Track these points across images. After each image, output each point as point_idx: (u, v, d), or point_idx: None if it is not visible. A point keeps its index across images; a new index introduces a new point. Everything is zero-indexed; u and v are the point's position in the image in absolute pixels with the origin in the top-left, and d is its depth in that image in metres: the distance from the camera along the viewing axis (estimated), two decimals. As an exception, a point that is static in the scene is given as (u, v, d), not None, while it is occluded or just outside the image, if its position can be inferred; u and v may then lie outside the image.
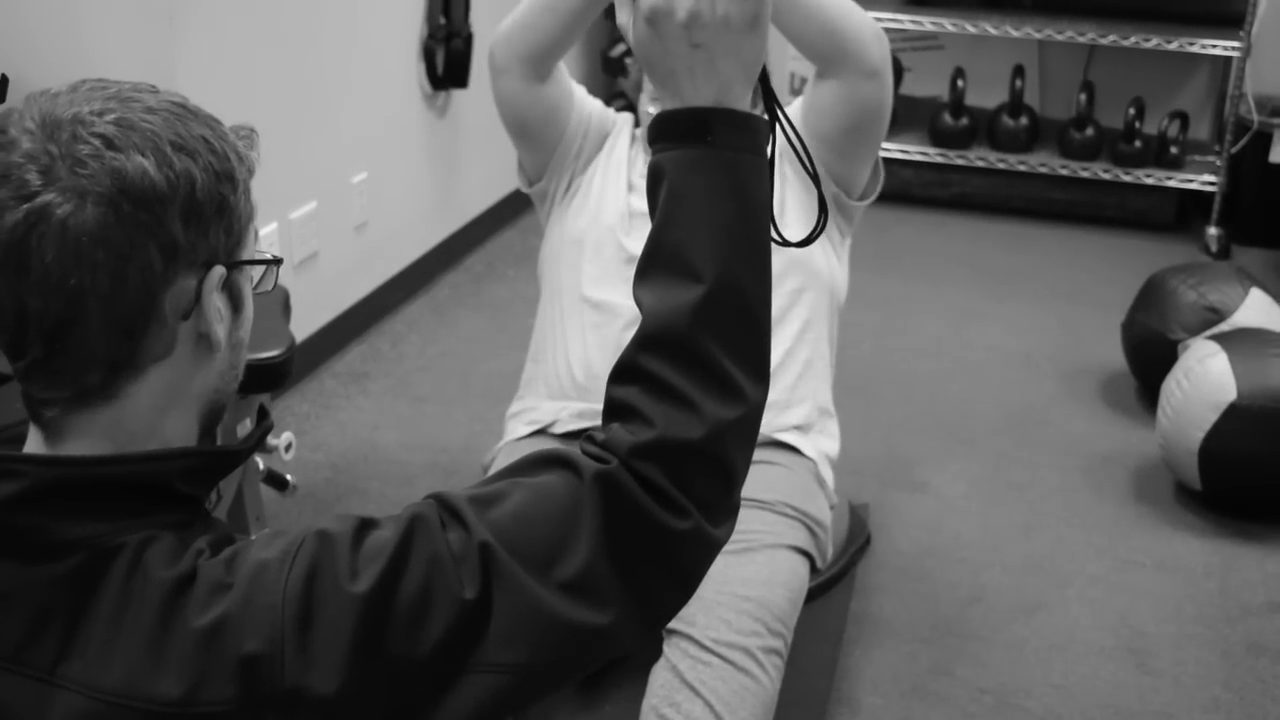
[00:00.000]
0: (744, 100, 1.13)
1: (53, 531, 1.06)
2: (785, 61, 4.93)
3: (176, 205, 1.05)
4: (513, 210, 4.69)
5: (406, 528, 1.07)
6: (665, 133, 1.12)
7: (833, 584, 2.49)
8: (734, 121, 1.11)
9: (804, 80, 5.20)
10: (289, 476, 2.74)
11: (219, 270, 1.09)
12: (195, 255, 1.07)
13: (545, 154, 2.38)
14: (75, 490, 1.07)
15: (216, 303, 1.10)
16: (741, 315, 1.10)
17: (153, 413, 1.10)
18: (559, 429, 2.27)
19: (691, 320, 1.08)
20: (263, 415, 1.26)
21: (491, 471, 2.26)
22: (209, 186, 1.07)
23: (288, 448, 2.67)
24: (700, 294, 1.08)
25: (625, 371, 1.12)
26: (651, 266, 1.12)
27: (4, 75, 2.73)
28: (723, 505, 1.12)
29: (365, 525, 1.08)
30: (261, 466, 2.70)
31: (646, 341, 1.10)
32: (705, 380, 1.09)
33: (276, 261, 1.19)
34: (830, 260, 2.35)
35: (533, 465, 1.13)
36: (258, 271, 1.17)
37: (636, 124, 2.45)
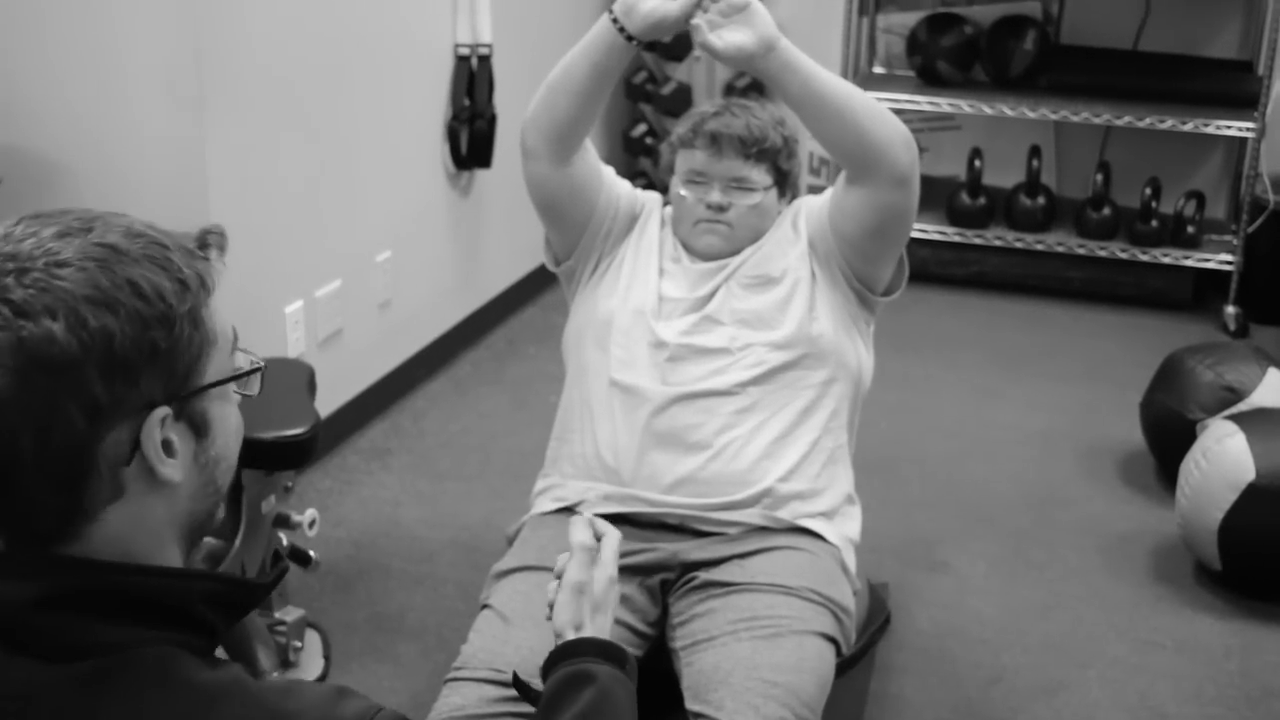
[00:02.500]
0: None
1: (73, 633, 1.07)
2: (805, 141, 4.98)
3: (93, 365, 1.04)
4: (534, 288, 4.73)
5: None
6: (591, 650, 1.48)
7: (852, 664, 2.49)
8: (623, 651, 1.52)
9: (822, 160, 5.26)
10: (312, 552, 2.76)
11: (159, 412, 1.09)
12: (124, 407, 1.07)
13: (574, 234, 2.42)
14: (97, 595, 1.08)
15: (167, 437, 1.10)
16: None
17: (120, 543, 1.11)
18: (586, 510, 2.29)
19: None
20: (276, 558, 1.29)
21: (515, 544, 2.30)
22: (133, 337, 1.06)
23: (311, 524, 2.68)
24: None
25: None
26: None
27: None
28: None
29: None
30: (285, 543, 2.72)
31: None
32: None
33: (252, 372, 1.19)
34: (859, 351, 2.39)
35: None
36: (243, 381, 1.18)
37: (665, 204, 2.49)
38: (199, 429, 1.13)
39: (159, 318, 1.07)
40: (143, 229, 1.10)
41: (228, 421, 1.17)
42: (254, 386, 1.19)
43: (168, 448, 1.10)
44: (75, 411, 1.05)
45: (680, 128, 2.45)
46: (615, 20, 2.18)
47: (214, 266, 1.14)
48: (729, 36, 2.12)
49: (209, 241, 1.15)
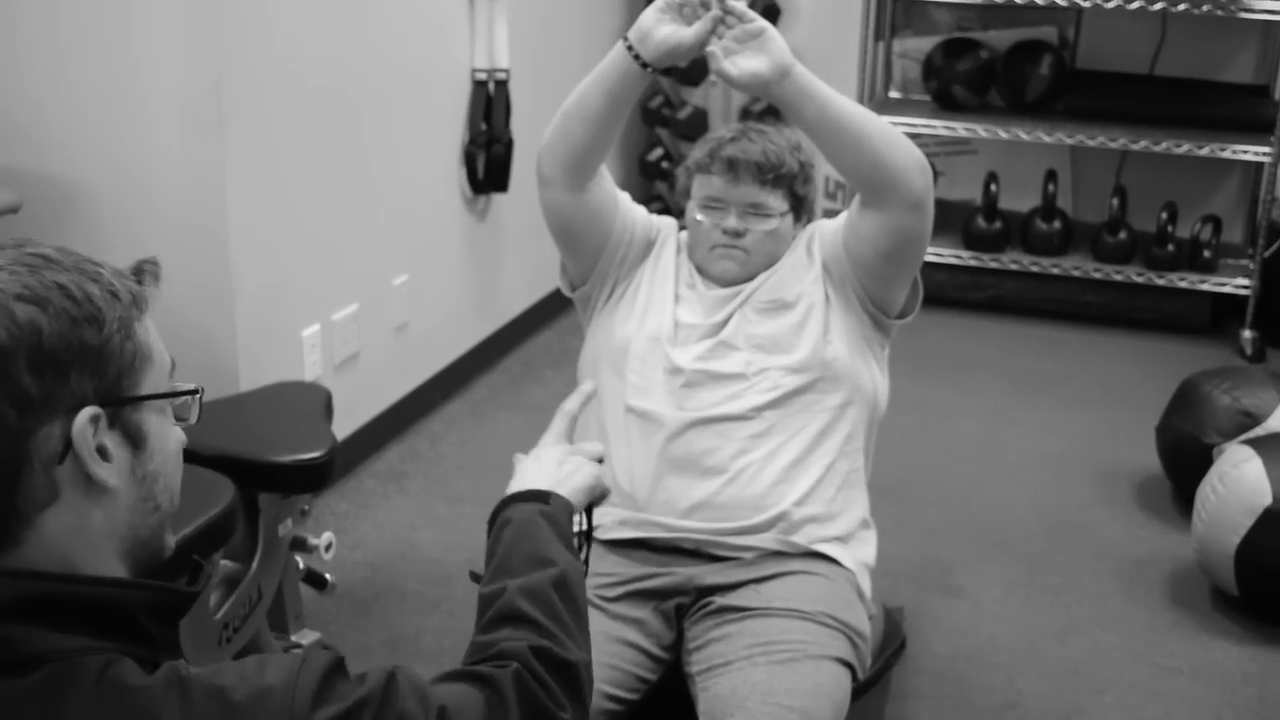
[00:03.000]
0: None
1: (21, 645, 1.08)
2: (821, 165, 4.99)
3: (22, 357, 1.07)
4: (550, 312, 4.75)
5: (385, 679, 1.18)
6: (512, 501, 1.50)
7: (867, 688, 2.48)
8: (546, 491, 1.53)
9: (838, 184, 5.27)
10: (328, 575, 2.77)
11: (88, 412, 1.10)
12: (55, 402, 1.09)
13: (590, 260, 2.43)
14: (46, 603, 1.09)
15: (101, 442, 1.12)
16: (576, 593, 1.41)
17: (59, 554, 1.12)
18: (602, 535, 2.30)
19: (554, 589, 1.39)
20: (197, 568, 1.30)
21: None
22: (61, 333, 1.09)
23: (328, 547, 2.69)
24: (556, 572, 1.40)
25: (511, 614, 1.35)
26: (517, 560, 1.41)
27: None
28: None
29: (341, 667, 1.17)
30: (301, 565, 2.73)
31: (525, 592, 1.37)
32: (568, 629, 1.37)
33: (189, 393, 1.20)
34: (874, 375, 2.39)
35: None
36: (180, 402, 1.20)
37: (681, 229, 2.50)
38: (135, 441, 1.15)
39: (88, 318, 1.11)
40: (75, 252, 1.15)
41: (166, 440, 1.19)
42: (193, 413, 1.21)
43: (103, 453, 1.12)
44: (5, 404, 1.07)
45: (696, 153, 2.46)
46: (630, 47, 2.19)
47: (148, 290, 1.17)
48: (744, 63, 2.13)
49: (144, 269, 1.19)
